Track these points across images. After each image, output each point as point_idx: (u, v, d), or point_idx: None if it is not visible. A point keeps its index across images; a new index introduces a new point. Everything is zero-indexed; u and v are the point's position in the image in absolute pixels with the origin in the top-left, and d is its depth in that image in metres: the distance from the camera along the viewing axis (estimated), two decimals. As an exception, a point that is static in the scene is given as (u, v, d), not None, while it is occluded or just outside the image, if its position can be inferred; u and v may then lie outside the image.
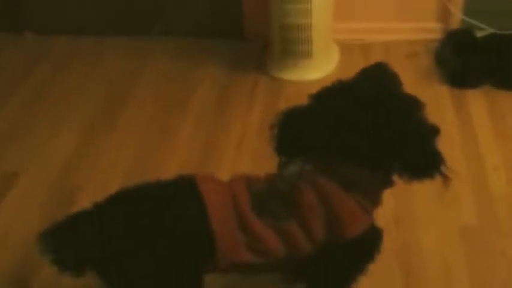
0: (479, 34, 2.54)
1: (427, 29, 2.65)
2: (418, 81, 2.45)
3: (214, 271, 1.36)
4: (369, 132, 1.29)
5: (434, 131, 1.34)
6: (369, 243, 1.43)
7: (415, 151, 1.32)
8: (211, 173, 1.46)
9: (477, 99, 2.35)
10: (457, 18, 2.59)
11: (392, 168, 1.34)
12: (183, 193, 1.34)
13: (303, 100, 2.39)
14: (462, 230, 1.85)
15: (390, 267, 1.74)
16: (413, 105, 1.34)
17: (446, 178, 1.34)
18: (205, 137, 2.27)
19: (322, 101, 1.35)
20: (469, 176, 2.03)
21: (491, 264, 1.75)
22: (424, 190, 1.97)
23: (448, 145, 2.10)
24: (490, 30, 2.56)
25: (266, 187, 1.36)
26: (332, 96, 1.35)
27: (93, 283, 1.35)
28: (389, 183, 1.38)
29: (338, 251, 1.39)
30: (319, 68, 2.53)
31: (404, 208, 1.92)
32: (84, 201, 2.00)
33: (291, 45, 2.47)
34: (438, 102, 2.35)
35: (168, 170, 2.12)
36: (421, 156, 1.32)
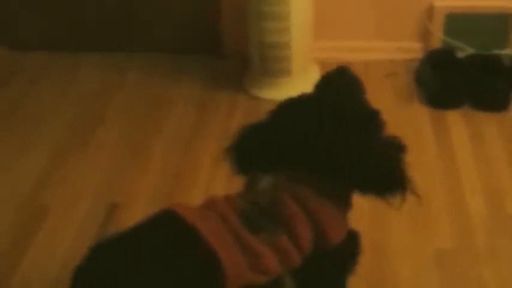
0: (459, 54, 2.52)
1: (407, 48, 2.63)
2: (397, 101, 2.43)
3: None
4: (329, 146, 1.30)
5: (400, 147, 1.34)
6: (350, 247, 1.43)
7: (369, 168, 1.31)
8: (185, 203, 1.40)
9: (457, 120, 2.33)
10: (438, 38, 2.57)
11: (353, 183, 1.34)
12: (173, 230, 1.26)
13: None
14: (438, 254, 1.82)
15: (364, 292, 1.70)
16: (375, 119, 1.34)
17: (404, 196, 1.32)
18: (181, 156, 2.23)
19: (280, 115, 1.36)
20: (446, 199, 2.00)
21: (467, 290, 1.72)
22: (399, 216, 1.94)
23: (426, 167, 2.12)
24: (470, 51, 2.54)
25: (247, 204, 1.33)
26: (290, 110, 1.35)
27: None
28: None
29: (324, 259, 1.38)
30: (298, 86, 2.48)
31: (379, 234, 1.88)
32: (53, 222, 1.97)
33: (269, 63, 2.44)
34: (417, 123, 2.32)
35: (140, 191, 2.08)
36: (384, 174, 1.31)
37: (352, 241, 1.43)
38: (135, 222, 1.87)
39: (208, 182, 2.11)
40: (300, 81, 2.50)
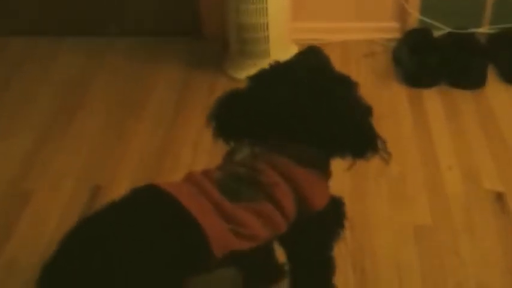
0: (436, 33, 2.55)
1: (384, 28, 2.66)
2: (375, 81, 2.46)
3: (208, 268, 1.32)
4: (304, 112, 1.34)
5: (368, 109, 1.38)
6: (334, 212, 1.46)
7: (349, 129, 1.35)
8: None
9: (433, 98, 2.36)
10: (415, 17, 2.60)
11: (333, 146, 1.38)
12: (153, 202, 1.27)
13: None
14: (416, 230, 1.85)
15: (343, 269, 1.73)
16: (346, 83, 1.39)
17: (384, 155, 1.38)
18: (162, 138, 2.25)
19: (258, 84, 1.39)
20: (423, 175, 2.04)
21: (445, 264, 1.76)
22: (377, 190, 1.98)
23: (403, 145, 2.15)
24: (446, 30, 2.57)
25: (225, 175, 1.35)
26: (268, 78, 1.39)
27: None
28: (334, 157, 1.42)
29: (309, 225, 1.40)
30: (277, 67, 2.52)
31: (357, 210, 1.91)
32: (37, 205, 1.99)
33: (248, 45, 2.46)
34: (395, 102, 2.36)
35: (123, 172, 2.10)
36: (356, 134, 1.36)
37: (336, 207, 1.46)
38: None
39: (190, 162, 2.13)
40: (279, 62, 2.52)
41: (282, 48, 2.51)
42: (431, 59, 2.40)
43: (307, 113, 1.34)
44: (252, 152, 1.37)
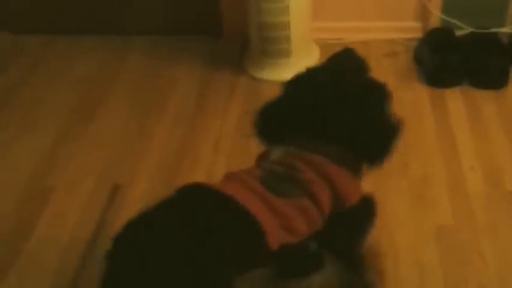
0: (458, 33, 2.53)
1: (406, 28, 2.64)
2: (397, 80, 2.44)
3: (263, 264, 1.36)
4: (337, 117, 1.40)
5: (396, 127, 1.44)
6: (366, 210, 1.49)
7: (375, 139, 1.42)
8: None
9: (455, 99, 2.34)
10: (436, 17, 2.58)
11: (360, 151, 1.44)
12: (207, 200, 1.28)
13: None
14: (438, 230, 1.84)
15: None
16: (380, 92, 1.44)
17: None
18: (182, 137, 2.24)
19: (294, 88, 1.47)
20: (445, 175, 2.02)
21: (467, 264, 1.74)
22: (400, 189, 1.96)
23: (425, 145, 2.13)
24: (468, 29, 2.55)
25: (265, 173, 1.37)
26: (303, 83, 1.47)
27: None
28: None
29: (342, 222, 1.43)
30: (298, 67, 2.46)
31: (380, 212, 1.88)
32: (56, 202, 1.99)
33: (269, 44, 2.45)
34: (416, 101, 2.34)
35: (143, 170, 2.10)
36: (381, 144, 1.42)
37: (367, 205, 1.49)
38: (140, 202, 1.93)
39: (210, 162, 2.13)
40: (300, 61, 2.51)
41: (303, 47, 2.51)
42: (452, 59, 2.38)
43: (339, 119, 1.40)
44: (287, 151, 1.41)
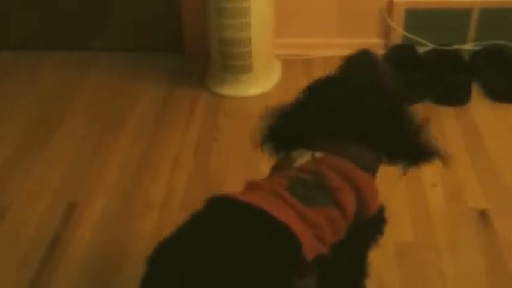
0: (420, 50, 2.54)
1: (369, 44, 2.61)
2: (359, 97, 2.43)
3: (301, 276, 1.29)
4: (359, 118, 1.36)
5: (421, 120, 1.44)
6: (380, 217, 1.46)
7: (406, 137, 1.40)
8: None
9: (417, 114, 2.33)
10: (399, 34, 2.59)
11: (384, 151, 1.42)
12: (238, 214, 1.21)
13: (242, 116, 2.37)
14: (398, 248, 1.82)
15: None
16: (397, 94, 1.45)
17: (443, 160, 1.41)
18: (141, 153, 2.21)
19: (313, 93, 1.42)
20: (407, 192, 2.01)
21: (428, 283, 1.72)
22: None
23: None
24: (430, 46, 2.56)
25: (292, 181, 1.31)
26: (322, 87, 1.43)
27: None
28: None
29: (361, 229, 1.40)
30: (259, 83, 2.50)
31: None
32: (11, 220, 1.94)
33: (230, 60, 2.43)
34: (379, 118, 2.33)
35: (100, 187, 2.05)
36: (413, 143, 1.41)
37: (380, 210, 1.46)
38: (97, 220, 1.89)
39: (169, 177, 2.09)
40: (262, 77, 2.50)
41: (264, 63, 2.49)
42: (415, 76, 2.38)
43: (362, 119, 1.37)
44: (313, 157, 1.36)
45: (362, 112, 1.37)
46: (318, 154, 1.36)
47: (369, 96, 1.39)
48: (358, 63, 1.52)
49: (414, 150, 1.41)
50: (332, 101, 1.39)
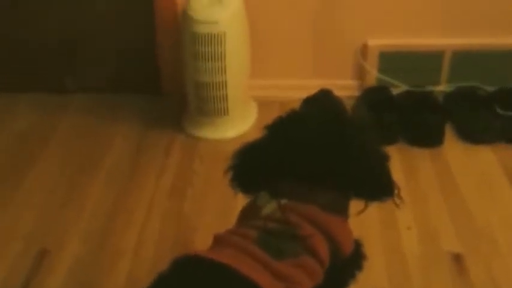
0: (394, 91, 2.56)
1: (344, 86, 2.66)
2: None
3: None
4: (324, 157, 1.35)
5: (385, 155, 1.42)
6: (358, 254, 1.48)
7: (367, 173, 1.39)
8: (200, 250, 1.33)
9: (392, 156, 2.32)
10: (373, 75, 2.61)
11: (351, 189, 1.41)
12: (204, 272, 1.20)
13: (218, 159, 2.34)
14: (373, 293, 1.81)
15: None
16: (362, 128, 1.42)
17: (397, 201, 1.42)
18: (115, 197, 2.19)
19: (276, 132, 1.41)
20: (381, 235, 2.00)
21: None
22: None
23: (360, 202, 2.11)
24: (404, 88, 2.58)
25: (260, 232, 1.30)
26: (285, 125, 1.41)
27: None
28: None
29: (338, 270, 1.40)
30: (236, 125, 2.50)
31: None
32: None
33: (206, 103, 2.43)
34: (353, 160, 2.33)
35: (73, 233, 2.03)
36: (374, 178, 1.40)
37: (357, 247, 1.47)
38: (70, 266, 1.86)
39: (143, 222, 2.07)
40: (238, 120, 2.50)
41: (241, 105, 2.50)
42: (389, 117, 2.39)
43: (327, 158, 1.35)
44: (279, 205, 1.35)
45: (326, 151, 1.36)
46: (284, 201, 1.35)
47: (333, 133, 1.37)
48: (320, 101, 1.52)
49: (381, 186, 1.41)
50: (295, 140, 1.37)
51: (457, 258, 1.92)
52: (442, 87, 2.61)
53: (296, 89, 2.67)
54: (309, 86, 2.66)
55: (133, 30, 2.65)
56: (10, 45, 2.73)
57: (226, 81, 2.37)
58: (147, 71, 2.70)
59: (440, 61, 2.58)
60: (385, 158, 1.42)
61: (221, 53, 2.30)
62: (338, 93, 2.62)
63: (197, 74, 2.36)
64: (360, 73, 2.64)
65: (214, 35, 2.27)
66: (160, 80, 2.71)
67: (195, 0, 2.32)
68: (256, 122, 2.56)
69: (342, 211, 1.41)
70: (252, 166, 1.42)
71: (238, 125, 2.50)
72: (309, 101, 1.56)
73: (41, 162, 2.37)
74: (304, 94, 2.62)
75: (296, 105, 2.62)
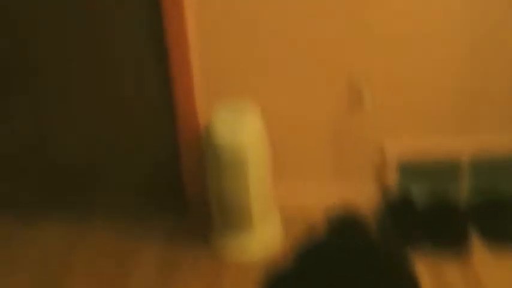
0: (415, 198, 2.57)
1: (363, 190, 2.69)
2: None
3: None
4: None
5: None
6: None
7: None
8: None
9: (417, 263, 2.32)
10: (392, 178, 2.64)
11: None
12: None
13: (245, 278, 2.33)
14: None
15: None
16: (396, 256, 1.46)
17: None
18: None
19: (303, 262, 1.43)
20: None
21: None
22: None
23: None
24: (425, 194, 2.59)
25: None
26: (313, 256, 1.43)
27: None
28: None
29: None
30: (261, 242, 2.51)
31: None
32: None
33: (231, 220, 2.46)
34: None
35: None
36: None
37: None
38: None
39: None
40: (263, 237, 2.52)
41: (264, 219, 2.52)
42: (412, 226, 2.40)
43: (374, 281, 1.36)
44: None
45: (368, 277, 1.36)
46: None
47: (371, 258, 1.39)
48: (345, 223, 1.53)
49: None
50: (330, 269, 1.38)
51: None
52: (463, 193, 2.61)
53: (317, 195, 2.71)
54: (330, 192, 2.69)
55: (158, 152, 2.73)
56: (39, 165, 2.80)
57: (249, 199, 2.41)
58: (172, 189, 2.75)
59: (460, 166, 2.59)
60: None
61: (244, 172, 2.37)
62: (358, 198, 2.66)
63: (222, 193, 2.41)
64: (379, 175, 2.68)
65: (237, 159, 2.35)
66: (185, 199, 2.74)
67: (218, 122, 2.40)
68: (280, 237, 2.56)
69: None
70: None
71: (263, 241, 2.51)
72: (333, 225, 1.56)
73: (65, 283, 2.39)
74: (326, 201, 2.63)
75: (318, 217, 2.65)
